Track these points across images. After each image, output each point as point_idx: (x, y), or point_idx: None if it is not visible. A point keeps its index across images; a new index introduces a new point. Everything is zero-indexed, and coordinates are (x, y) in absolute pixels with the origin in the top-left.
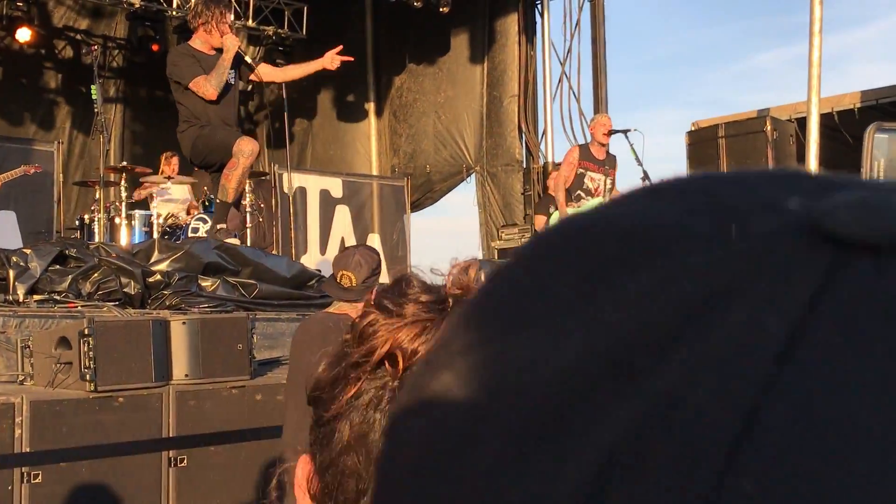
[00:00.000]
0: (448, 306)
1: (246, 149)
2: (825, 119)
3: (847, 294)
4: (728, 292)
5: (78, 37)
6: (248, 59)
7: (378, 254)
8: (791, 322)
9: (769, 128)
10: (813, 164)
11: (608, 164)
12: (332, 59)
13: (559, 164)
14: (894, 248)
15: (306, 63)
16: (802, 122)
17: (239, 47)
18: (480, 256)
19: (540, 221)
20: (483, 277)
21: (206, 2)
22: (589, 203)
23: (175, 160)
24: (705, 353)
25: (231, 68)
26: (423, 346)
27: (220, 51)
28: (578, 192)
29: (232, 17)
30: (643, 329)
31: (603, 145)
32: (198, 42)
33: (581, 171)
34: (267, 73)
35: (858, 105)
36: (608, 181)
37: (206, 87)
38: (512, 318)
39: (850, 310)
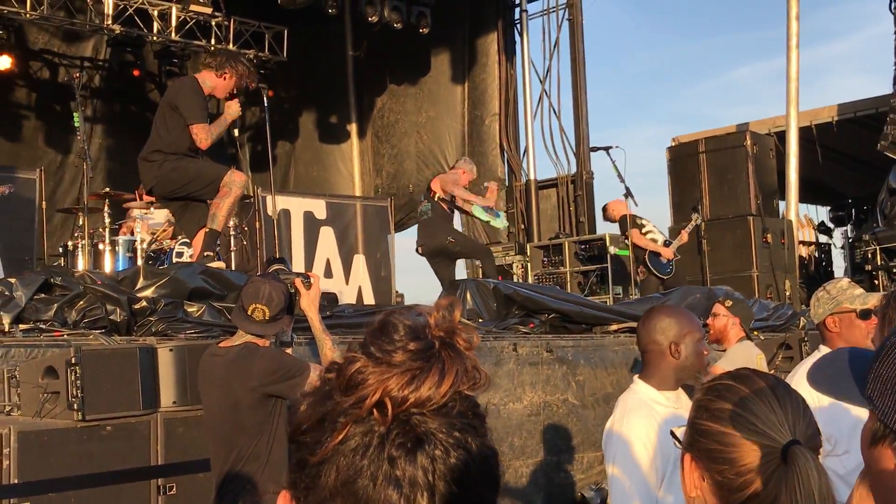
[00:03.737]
0: (436, 352)
1: (238, 180)
2: (804, 132)
3: None
4: None
5: (56, 60)
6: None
7: (285, 285)
8: None
9: (749, 142)
10: (793, 177)
11: None
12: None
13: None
14: None
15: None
16: (782, 136)
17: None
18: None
19: None
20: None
21: (230, 56)
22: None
23: None
24: None
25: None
26: (413, 394)
27: (213, 96)
28: None
29: (246, 80)
30: None
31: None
32: (205, 82)
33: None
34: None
35: (836, 118)
36: None
37: (205, 137)
38: None
39: None
